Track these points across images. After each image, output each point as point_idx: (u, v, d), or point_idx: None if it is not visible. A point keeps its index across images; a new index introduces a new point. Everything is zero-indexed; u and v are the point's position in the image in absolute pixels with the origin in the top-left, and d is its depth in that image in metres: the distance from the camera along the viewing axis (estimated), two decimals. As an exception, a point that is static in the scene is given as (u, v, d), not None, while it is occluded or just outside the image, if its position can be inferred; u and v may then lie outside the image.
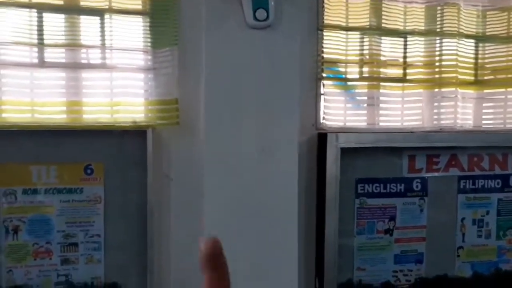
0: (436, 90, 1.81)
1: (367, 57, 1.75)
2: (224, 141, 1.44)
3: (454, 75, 1.79)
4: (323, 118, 1.70)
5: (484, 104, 1.90)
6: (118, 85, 1.56)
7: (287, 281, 1.50)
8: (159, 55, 1.57)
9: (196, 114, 1.48)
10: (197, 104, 1.49)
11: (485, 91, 1.86)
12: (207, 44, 1.47)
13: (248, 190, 1.47)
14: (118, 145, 1.53)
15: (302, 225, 1.64)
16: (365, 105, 1.79)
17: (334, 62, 1.73)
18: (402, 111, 1.81)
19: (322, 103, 1.71)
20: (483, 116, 1.90)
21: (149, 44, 1.56)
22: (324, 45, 1.69)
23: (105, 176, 1.52)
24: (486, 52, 1.84)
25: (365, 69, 1.76)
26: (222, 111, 1.45)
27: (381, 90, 1.77)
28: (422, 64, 1.79)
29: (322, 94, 1.70)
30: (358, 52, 1.73)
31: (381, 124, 1.79)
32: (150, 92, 1.56)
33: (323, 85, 1.70)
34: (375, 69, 1.75)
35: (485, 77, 1.85)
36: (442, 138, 1.79)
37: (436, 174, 1.82)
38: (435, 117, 1.81)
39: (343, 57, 1.73)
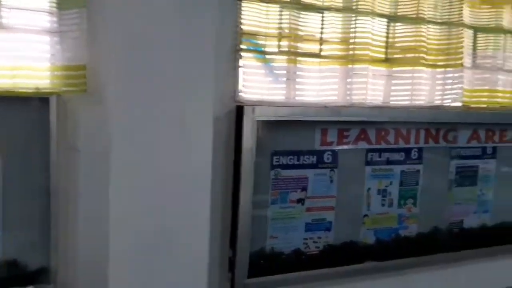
0: (350, 66, 1.85)
1: (286, 31, 1.75)
2: (135, 112, 1.38)
3: (366, 52, 1.85)
4: (242, 91, 1.68)
5: (393, 81, 1.99)
6: (20, 48, 1.41)
7: (198, 251, 1.51)
8: (66, 17, 1.44)
9: (106, 82, 1.39)
10: (106, 71, 1.40)
11: (394, 68, 1.94)
12: (118, 7, 1.37)
13: (160, 162, 1.43)
14: (19, 114, 1.40)
15: (219, 197, 1.64)
16: (284, 79, 1.79)
17: (253, 35, 1.70)
18: (318, 86, 1.84)
19: (241, 76, 1.68)
20: (392, 93, 1.99)
21: (54, 4, 1.43)
22: (243, 17, 1.65)
23: (4, 148, 1.40)
24: (397, 31, 1.91)
25: (284, 43, 1.75)
26: (133, 80, 1.38)
27: (298, 65, 1.78)
28: (337, 40, 1.82)
29: (241, 67, 1.68)
30: (277, 25, 1.72)
31: (298, 98, 1.81)
32: (56, 57, 1.44)
33: (242, 57, 1.67)
34: (293, 43, 1.75)
35: (395, 56, 1.92)
36: (353, 112, 1.86)
37: (346, 147, 1.89)
38: (348, 92, 1.86)
39: (262, 30, 1.71)
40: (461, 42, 1.99)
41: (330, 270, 1.89)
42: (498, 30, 2.12)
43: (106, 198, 1.37)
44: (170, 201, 1.46)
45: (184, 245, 1.49)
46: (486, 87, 2.16)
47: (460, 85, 2.03)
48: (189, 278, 1.55)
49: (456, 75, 2.02)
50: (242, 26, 1.66)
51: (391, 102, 1.99)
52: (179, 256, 1.49)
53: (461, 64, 2.01)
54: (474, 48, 2.10)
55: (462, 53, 2.00)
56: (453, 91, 2.04)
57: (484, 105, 2.20)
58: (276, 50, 1.75)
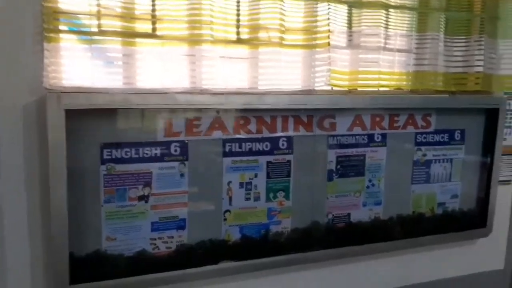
0: (197, 47, 1.63)
1: (118, 10, 1.53)
2: None
3: (212, 32, 1.63)
4: (56, 77, 1.46)
5: (257, 65, 1.76)
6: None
7: (14, 257, 1.40)
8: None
9: None
10: None
11: (252, 50, 1.73)
12: None
13: None
14: None
15: (36, 197, 1.45)
16: (118, 62, 1.58)
17: (73, 14, 1.48)
18: (160, 71, 1.62)
19: (58, 60, 1.46)
20: (255, 78, 1.77)
21: None
22: (57, -6, 1.43)
23: None
24: (250, 8, 1.69)
25: (114, 22, 1.54)
26: None
27: (132, 47, 1.56)
28: (175, 19, 1.59)
29: (49, 50, 1.44)
30: (96, 3, 1.50)
31: (137, 83, 1.59)
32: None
33: (57, 39, 1.45)
34: (124, 23, 1.54)
35: (248, 36, 1.70)
36: (203, 99, 1.65)
37: (197, 137, 1.68)
38: (196, 77, 1.65)
39: (82, 9, 1.49)
40: (326, 19, 1.77)
41: (183, 271, 1.68)
42: (376, 5, 1.90)
43: None
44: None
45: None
46: (368, 69, 1.95)
47: (328, 67, 1.81)
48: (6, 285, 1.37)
49: (324, 56, 1.80)
50: (59, 5, 1.44)
51: (259, 87, 1.78)
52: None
53: (328, 44, 1.79)
54: (350, 26, 1.88)
55: (328, 31, 1.78)
56: (322, 74, 1.82)
57: (368, 88, 1.98)
58: (102, 30, 1.52)
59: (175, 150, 1.65)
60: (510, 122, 2.38)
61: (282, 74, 1.79)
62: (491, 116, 2.24)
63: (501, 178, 2.40)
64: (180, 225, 1.70)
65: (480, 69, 2.12)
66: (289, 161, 1.85)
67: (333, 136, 1.94)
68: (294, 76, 1.83)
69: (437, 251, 2.28)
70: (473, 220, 2.30)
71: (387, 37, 1.96)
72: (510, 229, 2.50)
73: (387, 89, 2.02)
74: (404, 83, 2.04)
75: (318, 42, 1.79)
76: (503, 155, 2.36)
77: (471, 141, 2.24)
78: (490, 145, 2.26)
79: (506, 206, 2.48)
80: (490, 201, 2.28)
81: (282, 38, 1.74)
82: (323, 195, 1.96)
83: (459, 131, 2.22)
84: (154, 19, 1.56)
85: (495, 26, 2.14)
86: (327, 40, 1.79)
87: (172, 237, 1.69)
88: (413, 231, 2.16)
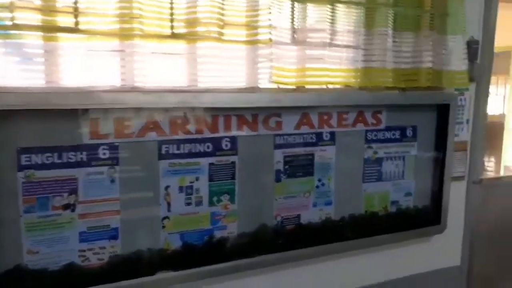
0: (126, 43, 1.51)
1: (39, 2, 1.39)
2: None
3: (139, 26, 1.50)
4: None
5: (199, 60, 1.65)
6: None
7: None
8: None
9: None
10: None
11: (189, 45, 1.61)
12: None
13: None
14: None
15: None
16: (39, 59, 1.43)
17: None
18: (88, 68, 1.48)
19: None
20: (194, 75, 1.66)
21: None
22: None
23: None
24: (184, 2, 1.58)
25: (26, 15, 1.39)
26: None
27: (54, 43, 1.42)
28: (100, 12, 1.46)
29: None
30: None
31: (60, 82, 1.45)
32: None
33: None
34: (44, 17, 1.40)
35: (183, 30, 1.59)
36: (133, 98, 1.52)
37: (129, 139, 1.56)
38: (125, 74, 1.52)
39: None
40: (267, 14, 1.68)
41: (117, 284, 1.55)
42: (320, 0, 1.82)
43: None
44: None
45: None
46: (315, 65, 1.86)
47: (271, 64, 1.72)
48: None
49: (266, 52, 1.71)
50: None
51: (199, 85, 1.66)
52: None
53: (270, 40, 1.70)
54: (292, 21, 1.79)
55: (269, 26, 1.69)
56: (266, 71, 1.73)
57: (316, 86, 1.90)
58: (18, 23, 1.38)
59: (104, 154, 1.52)
60: (461, 118, 2.35)
61: (223, 71, 1.68)
62: (443, 112, 2.20)
63: (454, 174, 2.37)
64: (112, 234, 1.56)
65: (430, 65, 2.08)
66: (233, 163, 1.75)
67: (280, 135, 1.84)
68: (237, 73, 1.73)
69: (392, 250, 2.22)
70: (427, 217, 2.26)
71: (333, 33, 1.88)
72: (465, 225, 2.48)
73: (336, 86, 1.94)
74: (353, 80, 1.97)
75: (260, 37, 1.69)
76: (455, 151, 2.33)
77: (423, 138, 2.20)
78: (442, 142, 2.22)
79: (461, 202, 2.45)
80: (443, 198, 2.24)
81: (221, 33, 1.64)
82: (270, 196, 1.86)
83: (410, 128, 2.17)
84: (76, 12, 1.42)
85: (444, 22, 2.10)
86: (268, 36, 1.69)
87: (104, 247, 1.56)
88: (366, 231, 2.09)
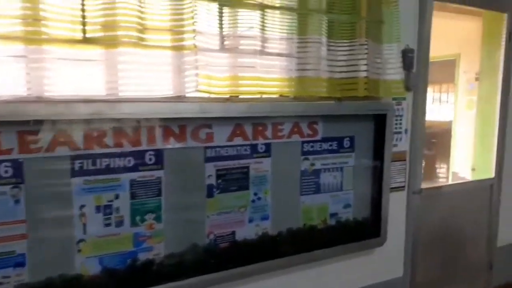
0: (32, 47, 1.35)
1: None
2: None
3: (43, 29, 1.36)
4: None
5: (120, 67, 1.52)
6: None
7: None
8: None
9: None
10: None
11: (107, 50, 1.48)
12: None
13: None
14: None
15: None
16: None
17: None
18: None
19: None
20: (114, 83, 1.52)
21: None
22: None
23: None
24: (96, 4, 1.45)
25: None
26: None
27: None
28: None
29: None
30: None
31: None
32: None
33: None
34: None
35: (97, 34, 1.45)
36: (37, 109, 1.36)
37: (35, 155, 1.39)
38: (31, 82, 1.36)
39: None
40: (189, 19, 1.58)
41: (22, 319, 1.37)
42: (250, 5, 1.74)
43: None
44: None
45: None
46: (247, 74, 1.78)
47: (196, 71, 1.62)
48: None
49: (191, 59, 1.60)
50: None
51: (120, 94, 1.53)
52: None
53: (194, 46, 1.60)
54: (221, 26, 1.70)
55: (193, 31, 1.59)
56: (192, 79, 1.62)
57: (249, 95, 1.81)
58: None
59: (6, 172, 1.35)
60: (400, 128, 2.34)
61: (147, 78, 1.56)
62: (380, 122, 2.18)
63: (394, 185, 2.35)
64: (18, 261, 1.39)
65: (366, 74, 2.04)
66: (159, 178, 1.62)
67: (211, 147, 1.74)
68: (163, 81, 1.61)
69: (332, 264, 2.16)
70: (367, 229, 2.21)
71: (265, 40, 1.81)
72: (407, 235, 2.46)
73: (270, 95, 1.86)
74: (287, 89, 1.90)
75: (184, 43, 1.58)
76: (395, 161, 2.32)
77: (361, 148, 2.16)
78: (380, 152, 2.19)
79: (401, 212, 2.43)
80: (382, 210, 2.21)
81: (141, 38, 1.52)
82: (202, 213, 1.74)
83: (348, 138, 2.12)
84: (-33, 13, 1.26)
85: (380, 30, 2.09)
86: (193, 42, 1.59)
87: (9, 276, 1.38)
88: (305, 246, 2.01)
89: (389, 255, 2.36)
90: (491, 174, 2.85)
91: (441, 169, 6.86)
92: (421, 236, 2.50)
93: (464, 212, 2.73)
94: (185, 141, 1.66)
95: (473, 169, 3.06)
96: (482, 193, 2.83)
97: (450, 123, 5.73)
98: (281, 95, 1.89)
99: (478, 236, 2.82)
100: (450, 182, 4.97)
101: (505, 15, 2.72)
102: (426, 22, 2.31)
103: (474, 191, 2.80)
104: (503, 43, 2.74)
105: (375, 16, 2.07)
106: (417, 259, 2.49)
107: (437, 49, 4.91)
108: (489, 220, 2.85)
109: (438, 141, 6.89)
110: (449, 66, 5.45)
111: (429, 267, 2.59)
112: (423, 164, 6.81)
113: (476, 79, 3.00)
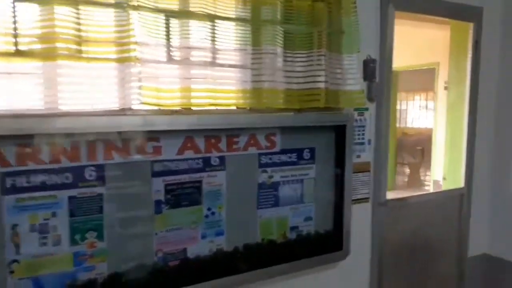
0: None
1: None
2: None
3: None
4: None
5: (59, 80, 1.46)
6: None
7: None
8: None
9: None
10: None
11: (40, 63, 1.42)
12: None
13: None
14: None
15: None
16: None
17: None
18: None
19: None
20: (53, 97, 1.46)
21: None
22: None
23: None
24: (31, 15, 1.39)
25: None
26: None
27: None
28: None
29: None
30: None
31: None
32: None
33: None
34: None
35: (31, 47, 1.39)
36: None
37: (-39, 172, 1.32)
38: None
39: None
40: (130, 30, 1.52)
41: None
42: (199, 15, 1.69)
43: None
44: None
45: None
46: (197, 86, 1.72)
47: (140, 84, 1.56)
48: None
49: (134, 71, 1.54)
50: None
51: (59, 107, 1.46)
52: None
53: (136, 58, 1.54)
54: (168, 37, 1.65)
55: (134, 43, 1.53)
56: (136, 92, 1.56)
57: (202, 107, 1.76)
58: None
59: None
60: (363, 139, 2.30)
61: (90, 91, 1.50)
62: (341, 133, 2.13)
63: (358, 196, 2.30)
64: None
65: (325, 85, 1.99)
66: (100, 194, 1.55)
67: (159, 161, 1.67)
68: (107, 94, 1.55)
69: (294, 279, 2.09)
70: (330, 242, 2.16)
71: (216, 51, 1.76)
72: (372, 248, 2.40)
73: (224, 107, 1.81)
74: (242, 101, 1.85)
75: (126, 55, 1.52)
76: (358, 172, 2.27)
77: (322, 160, 2.11)
78: (341, 163, 2.14)
79: (366, 224, 2.38)
80: (344, 222, 2.15)
81: (79, 50, 1.46)
82: (149, 230, 1.67)
83: (308, 150, 2.07)
84: None
85: (339, 40, 2.05)
86: (134, 53, 1.53)
87: None
88: (264, 261, 1.95)
89: (354, 269, 2.31)
90: (462, 183, 2.82)
91: (426, 177, 6.85)
92: (388, 248, 2.45)
93: (433, 223, 2.68)
94: (129, 155, 1.60)
95: (444, 179, 3.03)
96: (452, 203, 2.79)
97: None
98: (238, 107, 1.83)
99: (448, 247, 2.78)
100: (432, 190, 4.95)
101: (472, 25, 2.70)
102: (387, 31, 2.27)
103: (444, 201, 2.76)
104: (470, 52, 2.72)
105: (335, 26, 2.03)
106: (383, 272, 2.44)
107: (419, 58, 4.95)
108: (459, 231, 2.81)
109: (424, 148, 6.89)
110: (432, 74, 5.49)
111: (397, 281, 2.54)
112: (407, 172, 6.76)
113: (445, 88, 2.98)
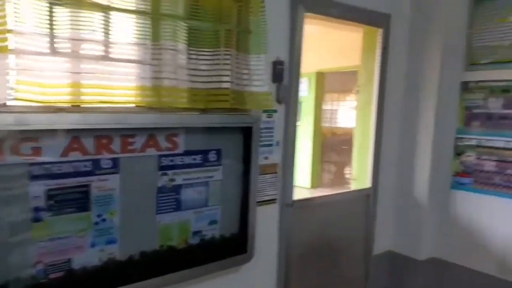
0: None
1: None
2: None
3: None
4: None
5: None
6: None
7: None
8: None
9: None
10: None
11: None
12: None
13: None
14: None
15: None
16: None
17: None
18: None
19: None
20: None
21: None
22: None
23: None
24: None
25: None
26: None
27: None
28: None
29: None
30: None
31: None
32: None
33: None
34: None
35: None
36: None
37: None
38: None
39: None
40: (2, 17, 1.34)
41: None
42: (89, 5, 1.54)
43: None
44: None
45: None
46: (86, 82, 1.57)
47: (14, 77, 1.39)
48: None
49: (7, 62, 1.36)
50: None
51: None
52: None
53: (7, 48, 1.36)
54: (51, 26, 1.48)
55: (7, 31, 1.35)
56: (9, 86, 1.38)
57: (92, 105, 1.61)
58: None
59: None
60: (271, 140, 2.27)
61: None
62: (248, 135, 2.08)
63: (265, 198, 2.28)
64: None
65: (230, 85, 1.92)
66: (-38, 202, 1.35)
67: (38, 164, 1.50)
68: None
69: (196, 285, 2.02)
70: (234, 245, 2.11)
71: (109, 44, 1.61)
72: (279, 250, 2.39)
73: (117, 105, 1.67)
74: (140, 98, 1.72)
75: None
76: (266, 174, 2.25)
77: (229, 162, 2.05)
78: (248, 165, 2.09)
79: (274, 226, 2.36)
80: (249, 224, 2.12)
81: None
82: (27, 240, 1.50)
83: (214, 152, 2.00)
84: None
85: (247, 40, 1.99)
86: (6, 43, 1.35)
87: None
88: (162, 269, 1.85)
89: (259, 272, 2.28)
90: (368, 184, 2.91)
91: (350, 175, 7.10)
92: (296, 250, 2.46)
93: (341, 223, 2.74)
94: (1, 156, 1.41)
95: (354, 179, 3.11)
96: (359, 203, 2.88)
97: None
98: (138, 105, 1.71)
99: (355, 247, 2.86)
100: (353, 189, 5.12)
101: (380, 31, 2.78)
102: (297, 34, 2.26)
103: (351, 202, 2.84)
104: (378, 56, 2.80)
105: (242, 25, 1.97)
106: (291, 274, 2.44)
107: (346, 60, 5.05)
108: (365, 230, 2.90)
109: (348, 148, 7.13)
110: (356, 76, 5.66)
111: (304, 281, 2.56)
112: (333, 170, 6.92)
113: (357, 91, 3.06)
